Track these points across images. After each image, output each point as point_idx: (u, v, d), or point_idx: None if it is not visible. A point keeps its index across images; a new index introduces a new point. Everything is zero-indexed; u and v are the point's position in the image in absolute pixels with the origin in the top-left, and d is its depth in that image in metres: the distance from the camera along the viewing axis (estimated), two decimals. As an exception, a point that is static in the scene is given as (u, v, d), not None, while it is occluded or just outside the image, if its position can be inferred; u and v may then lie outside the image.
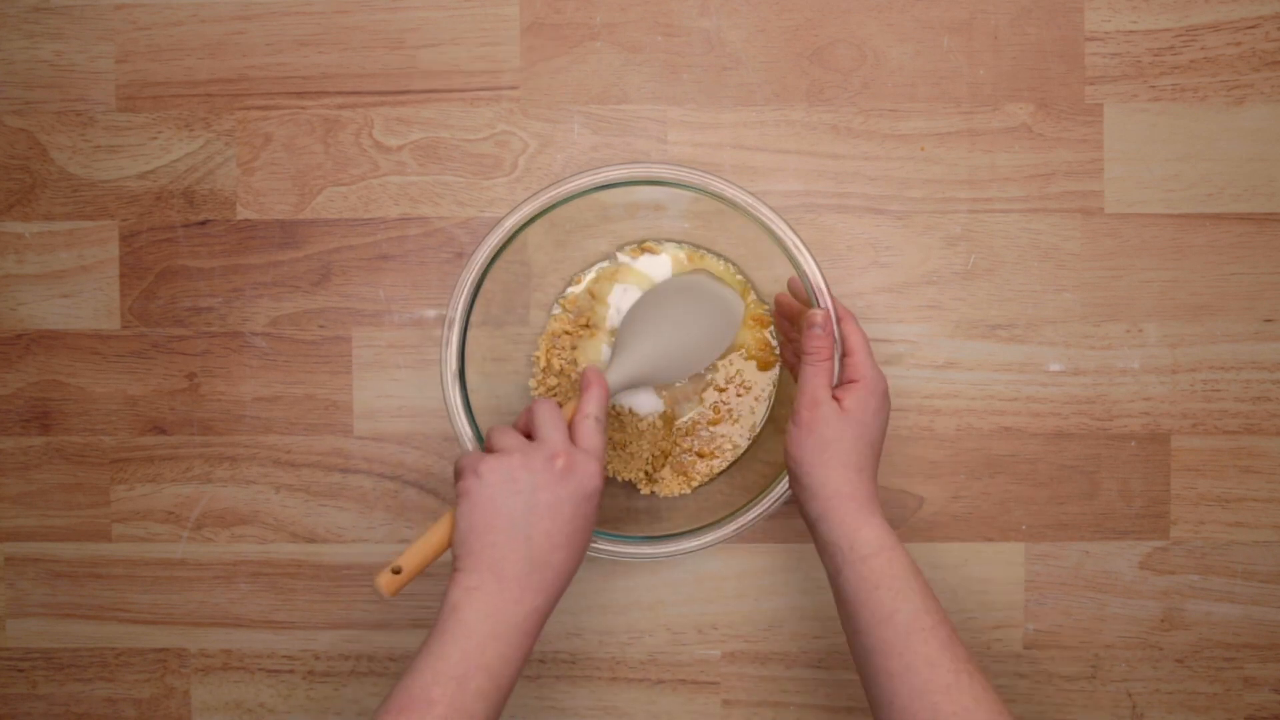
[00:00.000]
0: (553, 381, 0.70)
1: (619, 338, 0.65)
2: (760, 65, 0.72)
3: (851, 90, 0.72)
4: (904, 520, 0.72)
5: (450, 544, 0.55)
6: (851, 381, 0.59)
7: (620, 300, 0.70)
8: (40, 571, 0.74)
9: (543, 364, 0.70)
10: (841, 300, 0.66)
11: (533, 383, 0.71)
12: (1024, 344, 0.72)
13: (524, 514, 0.53)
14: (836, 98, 0.72)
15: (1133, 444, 0.72)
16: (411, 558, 0.54)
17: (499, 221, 0.61)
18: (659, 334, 0.65)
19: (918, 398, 0.72)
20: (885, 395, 0.60)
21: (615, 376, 0.62)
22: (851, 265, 0.72)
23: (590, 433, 0.57)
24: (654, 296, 0.68)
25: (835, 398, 0.58)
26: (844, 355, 0.60)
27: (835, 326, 0.60)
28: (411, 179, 0.73)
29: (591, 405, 0.58)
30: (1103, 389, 0.72)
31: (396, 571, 0.54)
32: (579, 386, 0.60)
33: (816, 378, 0.58)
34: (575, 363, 0.70)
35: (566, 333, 0.70)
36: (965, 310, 0.72)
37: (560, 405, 0.58)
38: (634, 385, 0.64)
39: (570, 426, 0.57)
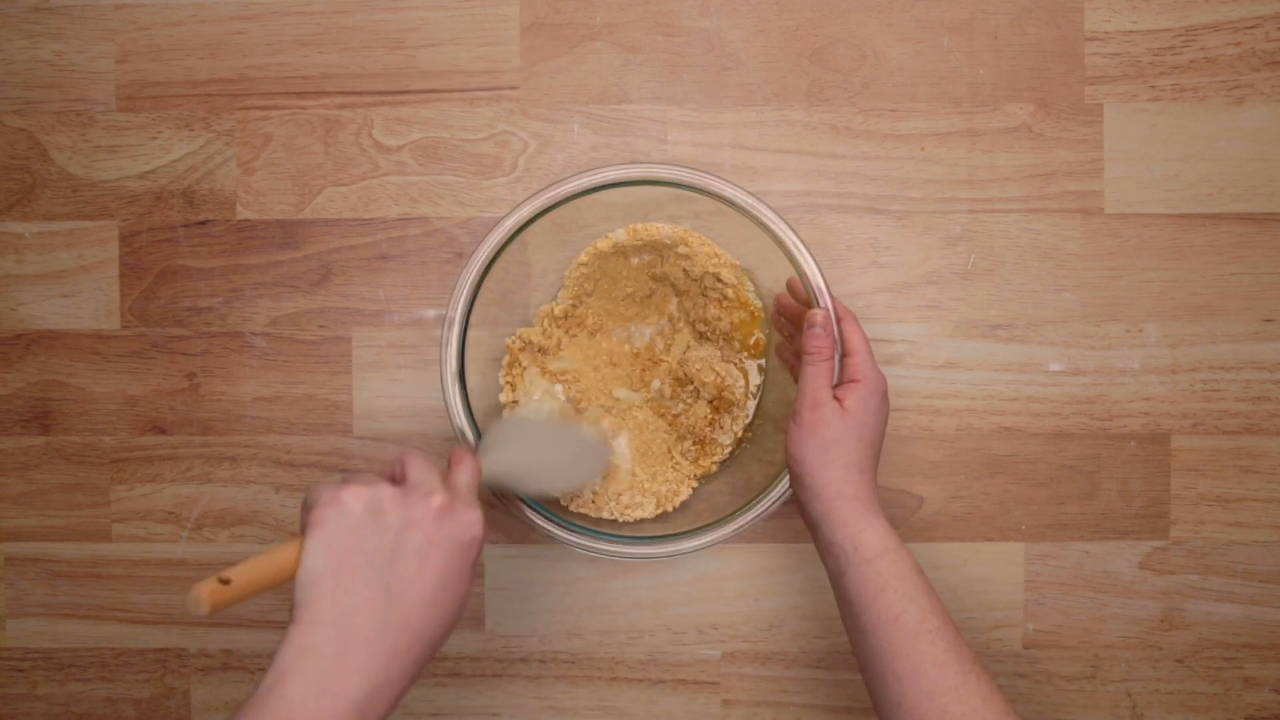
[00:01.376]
0: (511, 377, 0.70)
1: (485, 439, 0.59)
2: (760, 65, 0.72)
3: (851, 90, 0.72)
4: (904, 520, 0.72)
5: (293, 575, 0.45)
6: (852, 381, 0.59)
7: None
8: (40, 571, 0.74)
9: (510, 359, 0.70)
10: (841, 300, 0.66)
11: (501, 377, 0.70)
12: (1024, 344, 0.72)
13: (388, 556, 0.45)
14: (836, 98, 0.72)
15: (1132, 444, 0.72)
16: (246, 572, 0.44)
17: (499, 221, 0.61)
18: (523, 446, 0.60)
19: (918, 398, 0.72)
20: (885, 395, 0.60)
21: (486, 466, 0.56)
22: (851, 265, 0.72)
23: (466, 488, 0.51)
24: (524, 422, 0.65)
25: (836, 398, 0.58)
26: (844, 355, 0.60)
27: (835, 326, 0.60)
28: (411, 179, 0.73)
29: (463, 474, 0.52)
30: (1103, 389, 0.72)
31: (225, 582, 0.43)
32: (450, 462, 0.53)
33: (817, 378, 0.58)
34: (515, 390, 0.69)
35: (539, 341, 0.69)
36: (965, 310, 0.72)
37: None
38: (495, 483, 0.58)
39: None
